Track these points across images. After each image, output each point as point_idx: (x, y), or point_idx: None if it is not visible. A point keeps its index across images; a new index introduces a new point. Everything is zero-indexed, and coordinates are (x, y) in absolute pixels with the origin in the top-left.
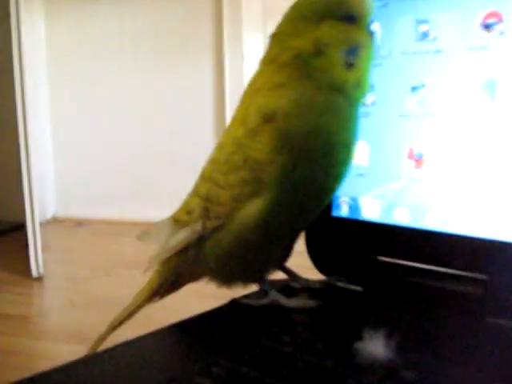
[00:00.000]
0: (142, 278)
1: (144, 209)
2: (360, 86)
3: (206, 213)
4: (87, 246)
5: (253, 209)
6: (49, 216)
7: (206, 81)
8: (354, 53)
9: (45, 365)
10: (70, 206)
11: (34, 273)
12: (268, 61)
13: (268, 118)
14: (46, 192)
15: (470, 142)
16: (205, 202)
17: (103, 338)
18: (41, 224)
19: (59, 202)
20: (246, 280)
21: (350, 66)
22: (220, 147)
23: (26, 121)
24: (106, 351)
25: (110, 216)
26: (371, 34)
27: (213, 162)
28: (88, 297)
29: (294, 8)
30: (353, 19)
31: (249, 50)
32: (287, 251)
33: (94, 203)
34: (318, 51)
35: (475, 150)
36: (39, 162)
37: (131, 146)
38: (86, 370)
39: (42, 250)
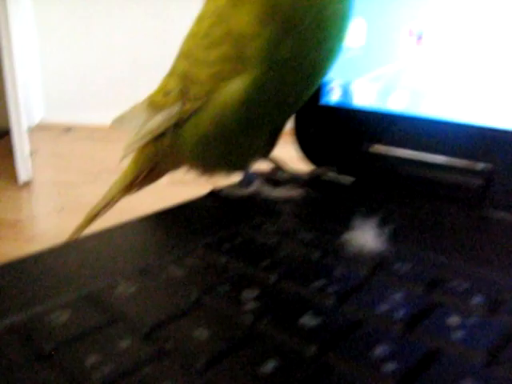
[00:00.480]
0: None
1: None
2: None
3: (184, 93)
4: (75, 152)
5: (235, 87)
6: (36, 121)
7: None
8: None
9: None
10: (58, 111)
11: (22, 178)
12: None
13: None
14: (33, 97)
15: (475, 18)
16: (183, 82)
17: (79, 230)
18: (28, 129)
19: (46, 107)
20: (228, 168)
21: None
22: (200, 19)
23: (8, 22)
24: (77, 241)
25: (98, 122)
26: None
27: (192, 36)
28: (76, 202)
29: None
30: None
31: None
32: (273, 139)
33: (82, 109)
34: None
35: (480, 30)
36: (25, 67)
37: (121, 50)
38: (55, 259)
39: (30, 156)
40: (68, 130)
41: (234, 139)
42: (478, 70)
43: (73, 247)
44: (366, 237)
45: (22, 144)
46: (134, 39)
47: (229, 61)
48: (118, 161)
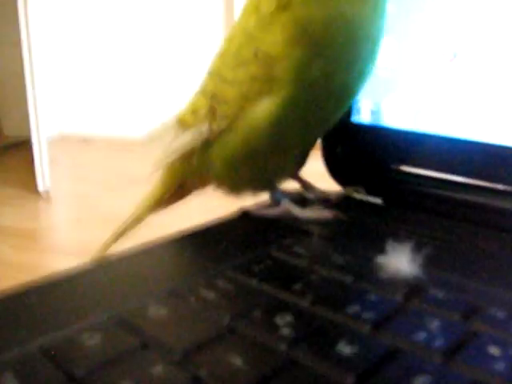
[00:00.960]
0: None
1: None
2: None
3: (212, 113)
4: (93, 163)
5: (263, 108)
6: (56, 132)
7: None
8: None
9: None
10: (76, 122)
11: (41, 188)
12: None
13: (283, 5)
14: (52, 109)
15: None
16: (211, 101)
17: (106, 247)
18: (47, 140)
19: (65, 118)
20: (256, 188)
21: None
22: (229, 39)
23: (29, 35)
24: (105, 261)
25: (116, 133)
26: None
27: (221, 55)
28: (94, 212)
29: None
30: None
31: None
32: (302, 159)
33: (99, 120)
34: None
35: None
36: (45, 79)
37: (138, 63)
38: (85, 279)
39: (49, 166)
40: (86, 141)
41: (261, 160)
42: None
43: (102, 267)
44: (399, 261)
45: (41, 154)
46: (153, 53)
47: (257, 81)
48: (135, 172)
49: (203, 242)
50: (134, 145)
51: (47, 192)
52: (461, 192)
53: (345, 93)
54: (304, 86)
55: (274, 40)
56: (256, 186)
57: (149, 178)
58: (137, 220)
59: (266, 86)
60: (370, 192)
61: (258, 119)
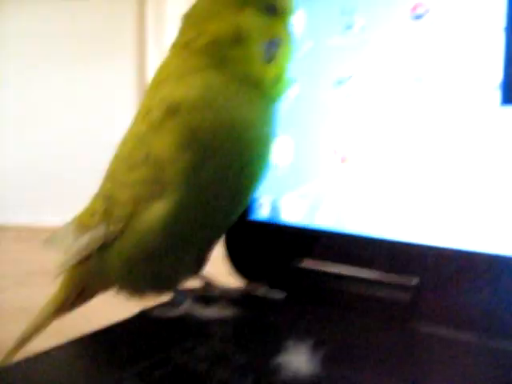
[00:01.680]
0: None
1: (59, 213)
2: (279, 82)
3: (108, 215)
4: (1, 254)
5: (155, 211)
6: None
7: (127, 81)
8: (274, 47)
9: None
10: None
11: None
12: (180, 46)
13: (172, 111)
14: None
15: (397, 140)
16: (107, 203)
17: (11, 355)
18: None
19: None
20: (157, 289)
21: (269, 60)
22: (123, 142)
23: None
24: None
25: (21, 221)
26: (291, 29)
27: (116, 157)
28: (2, 307)
29: None
30: (275, 11)
31: None
32: (203, 258)
33: (7, 208)
34: (238, 40)
35: (402, 148)
36: None
37: (48, 148)
38: None
39: None
40: None
41: (158, 261)
42: (400, 189)
43: None
44: (299, 360)
45: None
46: (64, 138)
47: (148, 184)
48: (42, 263)
49: (101, 346)
50: (40, 234)
51: None
52: (355, 284)
53: (239, 194)
54: (195, 190)
55: (164, 144)
56: (156, 287)
57: (54, 279)
58: (41, 326)
59: (158, 189)
60: (273, 286)
61: (150, 222)
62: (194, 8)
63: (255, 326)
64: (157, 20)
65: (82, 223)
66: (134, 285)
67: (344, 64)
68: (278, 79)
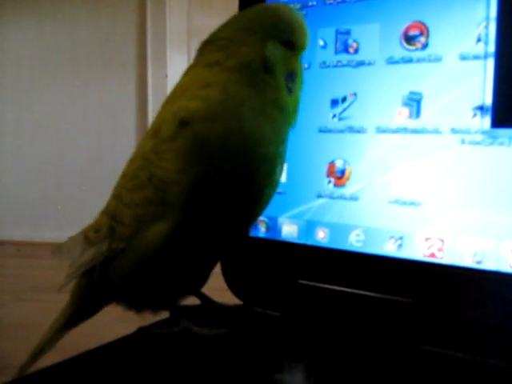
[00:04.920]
0: (58, 303)
1: (61, 229)
2: (295, 111)
3: (111, 232)
4: (1, 269)
5: (155, 232)
6: None
7: (128, 98)
8: (293, 79)
9: None
10: None
11: None
12: (203, 65)
13: (184, 122)
14: None
15: (393, 157)
16: (111, 221)
17: (25, 367)
18: None
19: None
20: (154, 306)
21: (290, 91)
22: (132, 159)
23: None
24: None
25: (24, 237)
26: (302, 63)
27: (122, 176)
28: (1, 323)
29: (241, 18)
30: (292, 46)
31: (172, 69)
32: (203, 277)
33: (8, 224)
34: (266, 68)
35: (398, 165)
36: None
37: (47, 164)
38: None
39: None
40: None
41: (157, 282)
42: (395, 206)
43: None
44: (293, 380)
45: None
46: (64, 152)
47: (151, 204)
48: (43, 278)
49: (103, 362)
50: (41, 249)
51: None
52: (353, 303)
53: (245, 213)
54: (196, 212)
55: (167, 166)
56: (154, 303)
57: (59, 290)
58: (52, 339)
59: (160, 211)
60: (269, 306)
61: (150, 241)
62: (218, 34)
63: (251, 344)
64: (157, 37)
65: (88, 237)
66: (132, 300)
67: (339, 84)
68: (295, 110)
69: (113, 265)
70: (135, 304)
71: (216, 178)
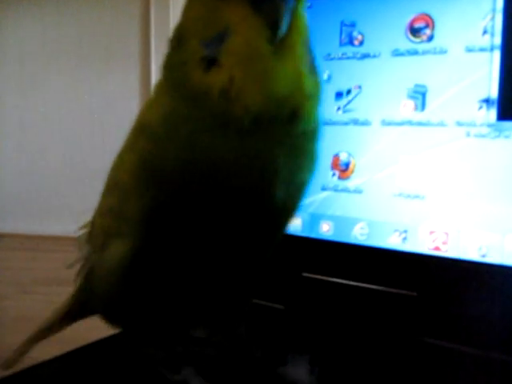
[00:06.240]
0: (61, 296)
1: (64, 222)
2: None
3: (90, 239)
4: (5, 262)
5: (114, 251)
6: None
7: (132, 91)
8: (220, 42)
9: None
10: None
11: None
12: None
13: (140, 131)
14: None
15: (398, 150)
16: (89, 227)
17: (21, 353)
18: None
19: None
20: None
21: (210, 62)
22: (115, 158)
23: None
24: None
25: (28, 230)
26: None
27: (106, 177)
28: (5, 315)
29: None
30: None
31: None
32: (214, 309)
33: (11, 217)
34: (179, 41)
35: (403, 158)
36: None
37: (51, 156)
38: None
39: None
40: None
41: (130, 303)
42: (401, 199)
43: None
44: (297, 372)
45: None
46: (68, 145)
47: (114, 215)
48: (47, 271)
49: (103, 355)
50: (46, 243)
51: None
52: (354, 297)
53: (223, 249)
54: (157, 234)
55: (126, 170)
56: (124, 327)
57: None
58: (52, 328)
59: (121, 225)
60: (273, 299)
61: (110, 261)
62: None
63: (256, 335)
64: (161, 27)
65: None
66: (110, 314)
67: (344, 77)
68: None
69: (92, 273)
70: (113, 318)
71: (173, 205)
